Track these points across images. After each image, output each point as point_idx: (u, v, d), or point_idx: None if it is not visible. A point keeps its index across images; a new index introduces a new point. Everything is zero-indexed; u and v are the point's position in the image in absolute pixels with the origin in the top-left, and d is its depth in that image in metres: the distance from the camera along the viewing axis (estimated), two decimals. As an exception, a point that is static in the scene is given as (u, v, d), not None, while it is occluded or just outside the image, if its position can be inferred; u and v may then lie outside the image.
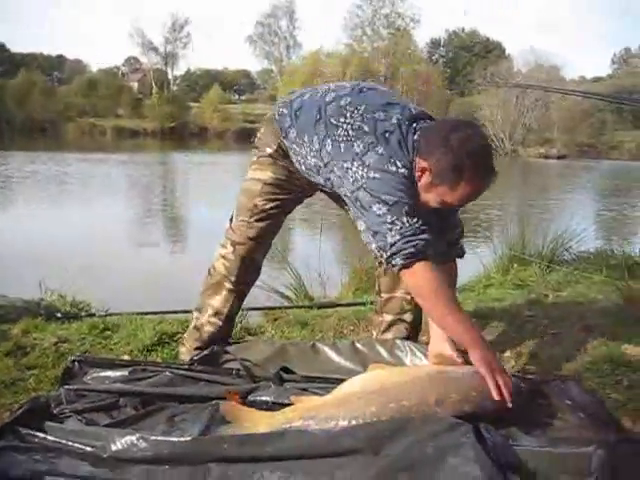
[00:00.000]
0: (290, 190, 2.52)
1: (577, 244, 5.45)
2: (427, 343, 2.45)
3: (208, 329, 2.61)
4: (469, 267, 5.89)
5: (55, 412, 1.95)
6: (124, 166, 23.03)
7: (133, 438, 1.73)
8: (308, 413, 1.87)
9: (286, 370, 2.30)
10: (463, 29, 67.94)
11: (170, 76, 59.82)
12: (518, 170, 31.70)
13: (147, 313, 3.48)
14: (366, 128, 2.15)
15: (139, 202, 14.57)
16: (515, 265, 4.97)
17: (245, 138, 43.81)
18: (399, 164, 2.10)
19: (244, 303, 2.76)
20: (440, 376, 2.02)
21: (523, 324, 3.32)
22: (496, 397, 1.91)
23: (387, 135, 2.13)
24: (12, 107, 46.53)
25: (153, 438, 1.74)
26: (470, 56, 63.59)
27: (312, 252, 2.72)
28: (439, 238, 2.28)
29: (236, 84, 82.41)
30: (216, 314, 2.60)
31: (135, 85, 62.27)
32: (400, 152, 2.12)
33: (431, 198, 2.12)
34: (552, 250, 5.21)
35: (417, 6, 74.36)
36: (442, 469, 1.55)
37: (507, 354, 2.85)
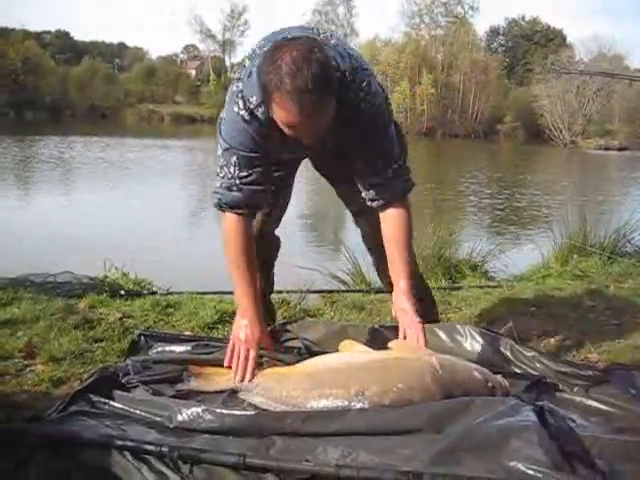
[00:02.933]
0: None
1: (641, 236, 5.32)
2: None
3: None
4: (527, 256, 5.84)
5: (123, 382, 2.01)
6: (181, 151, 23.36)
7: (198, 410, 1.78)
8: (257, 380, 1.96)
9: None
10: (523, 17, 66.58)
11: (227, 63, 60.32)
12: (576, 162, 30.96)
13: (207, 293, 3.55)
14: (246, 61, 2.05)
15: (197, 186, 14.78)
16: (575, 256, 4.89)
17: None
18: (247, 101, 1.95)
19: (302, 286, 2.79)
20: (370, 366, 1.94)
21: (584, 314, 3.27)
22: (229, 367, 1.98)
23: (252, 67, 1.96)
24: (74, 94, 47.68)
25: (218, 410, 1.78)
26: (530, 45, 62.25)
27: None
28: (351, 188, 2.22)
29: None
30: None
31: (193, 72, 63.04)
32: (255, 89, 1.91)
33: (279, 125, 1.88)
34: (614, 241, 5.11)
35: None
36: (505, 451, 1.54)
37: (568, 343, 2.80)
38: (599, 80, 41.25)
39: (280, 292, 3.35)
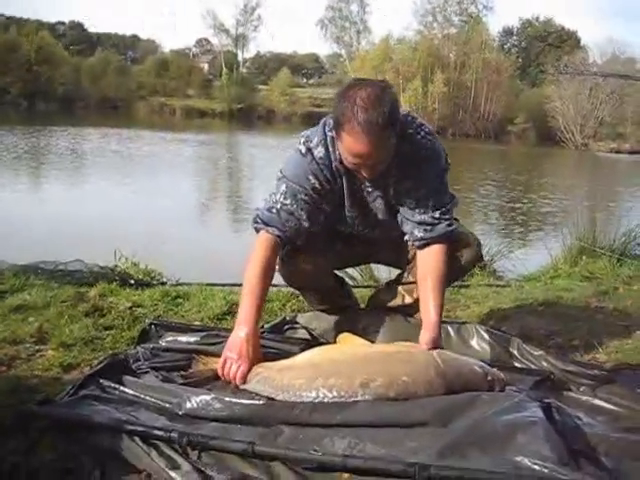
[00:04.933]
0: None
1: (651, 239, 5.29)
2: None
3: None
4: (536, 257, 5.83)
5: (133, 368, 2.03)
6: (192, 145, 23.40)
7: (208, 398, 1.80)
8: (258, 369, 1.97)
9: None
10: (537, 18, 66.28)
11: (240, 58, 60.24)
12: (586, 165, 30.85)
13: (217, 284, 3.57)
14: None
15: (209, 180, 14.82)
16: (584, 257, 4.87)
17: (312, 122, 43.93)
18: (308, 140, 2.18)
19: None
20: (377, 357, 1.97)
21: (593, 315, 3.26)
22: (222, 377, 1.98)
23: (317, 124, 2.23)
24: (87, 85, 47.81)
25: (227, 399, 1.80)
26: (543, 46, 61.97)
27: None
28: (393, 223, 2.29)
29: (304, 68, 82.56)
30: None
31: (205, 66, 63.07)
32: (318, 132, 2.18)
33: (342, 156, 2.09)
34: (624, 243, 5.09)
35: (491, -7, 72.18)
36: (511, 446, 1.55)
37: (576, 343, 2.80)
38: (612, 83, 40.97)
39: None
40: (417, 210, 2.22)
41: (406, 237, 2.29)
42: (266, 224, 2.19)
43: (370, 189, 2.24)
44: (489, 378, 1.93)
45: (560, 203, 13.09)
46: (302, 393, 1.84)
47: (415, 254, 2.31)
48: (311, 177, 2.16)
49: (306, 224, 2.22)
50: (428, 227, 2.21)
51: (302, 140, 2.19)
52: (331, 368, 1.90)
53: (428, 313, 2.14)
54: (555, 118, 44.24)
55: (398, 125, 2.03)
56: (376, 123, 1.90)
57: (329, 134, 2.14)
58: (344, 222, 2.39)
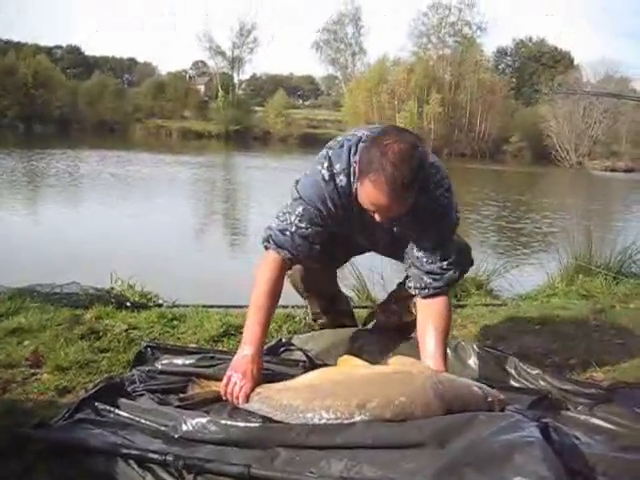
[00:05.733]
0: None
1: (647, 257, 5.30)
2: None
3: None
4: (533, 276, 5.84)
5: (129, 390, 2.02)
6: (189, 167, 23.45)
7: (203, 420, 1.79)
8: (257, 389, 1.99)
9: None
10: (530, 38, 66.88)
11: (236, 80, 60.50)
12: (581, 183, 30.97)
13: (213, 306, 3.56)
14: (339, 137, 2.27)
15: (205, 202, 14.84)
16: (581, 276, 4.87)
17: (308, 143, 44.14)
18: (331, 165, 2.15)
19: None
20: (371, 378, 1.98)
21: (589, 333, 3.27)
22: (224, 396, 1.99)
23: (345, 141, 2.19)
24: (84, 108, 47.98)
25: (223, 422, 1.79)
26: (537, 66, 62.50)
27: (374, 254, 2.74)
28: (409, 265, 2.31)
29: (300, 90, 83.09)
30: None
31: (202, 88, 63.31)
32: (342, 159, 2.15)
33: (358, 194, 2.08)
34: (620, 262, 5.10)
35: (483, 14, 72.97)
36: (508, 466, 1.54)
37: (573, 361, 2.80)
38: (606, 102, 41.30)
39: (285, 307, 3.36)
40: (426, 260, 2.26)
41: (411, 284, 2.32)
42: (278, 246, 2.20)
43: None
44: (489, 399, 1.93)
45: (557, 222, 13.11)
46: (299, 414, 1.84)
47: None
48: (329, 203, 2.17)
49: (317, 247, 2.25)
50: (437, 276, 2.26)
51: (325, 164, 2.16)
52: (328, 389, 1.90)
53: (434, 360, 2.15)
54: (550, 137, 44.52)
55: (420, 183, 2.02)
56: (401, 182, 1.91)
57: (353, 163, 2.12)
58: (348, 237, 2.45)
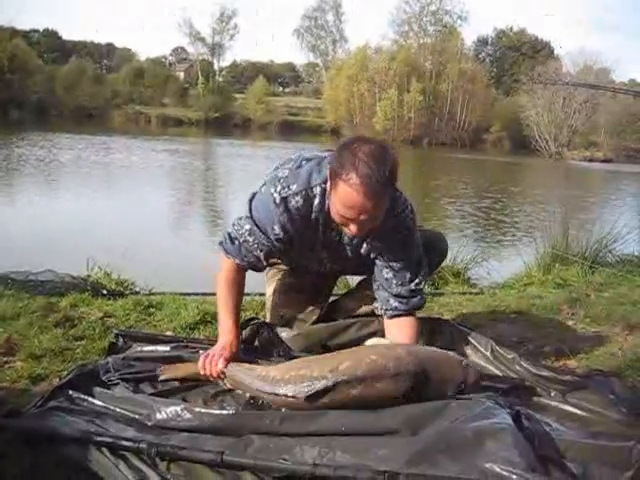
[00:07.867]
0: None
1: (622, 246, 5.36)
2: None
3: None
4: (510, 265, 5.88)
5: (103, 379, 2.01)
6: (168, 153, 23.29)
7: (178, 408, 1.79)
8: (234, 364, 2.06)
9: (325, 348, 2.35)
10: (511, 28, 67.05)
11: (216, 67, 60.19)
12: (560, 173, 31.20)
13: (189, 294, 3.55)
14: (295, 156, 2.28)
15: (184, 190, 14.75)
16: (557, 265, 4.92)
17: (288, 130, 44.04)
18: (285, 187, 2.13)
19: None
20: (346, 351, 2.04)
21: (564, 321, 3.30)
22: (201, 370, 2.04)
23: (304, 162, 2.20)
24: (61, 93, 47.34)
25: (197, 409, 1.79)
26: (517, 55, 62.73)
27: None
28: (379, 287, 2.34)
29: (281, 77, 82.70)
30: None
31: (181, 75, 62.96)
32: (300, 180, 2.14)
33: (332, 207, 2.06)
34: (596, 251, 5.15)
35: (464, 2, 73.00)
36: (480, 452, 1.56)
37: (547, 349, 2.83)
38: (585, 92, 41.59)
39: (263, 294, 3.35)
40: (395, 282, 2.29)
41: (378, 304, 2.36)
42: (227, 253, 2.26)
43: (345, 240, 2.28)
44: (464, 363, 1.99)
45: (534, 211, 13.21)
46: (275, 383, 1.89)
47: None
48: (277, 228, 2.17)
49: (263, 263, 2.31)
50: (404, 300, 2.30)
51: (278, 188, 2.13)
52: (304, 364, 1.97)
53: None
54: (529, 127, 44.83)
55: (393, 188, 2.06)
56: (376, 179, 1.90)
57: (315, 185, 2.12)
58: (313, 261, 2.45)
